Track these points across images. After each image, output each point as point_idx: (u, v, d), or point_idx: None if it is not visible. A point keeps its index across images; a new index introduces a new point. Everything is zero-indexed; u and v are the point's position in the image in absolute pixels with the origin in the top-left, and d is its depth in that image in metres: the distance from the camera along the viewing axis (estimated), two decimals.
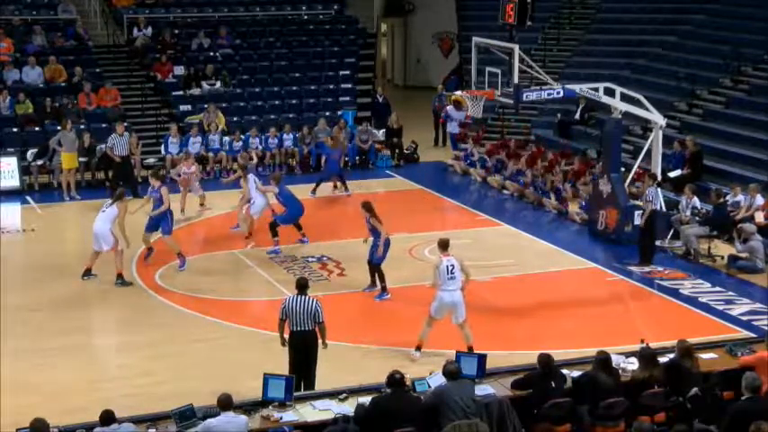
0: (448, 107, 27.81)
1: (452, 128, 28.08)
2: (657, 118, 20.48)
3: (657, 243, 19.71)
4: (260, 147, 26.05)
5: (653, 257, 18.89)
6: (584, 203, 21.87)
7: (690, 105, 25.62)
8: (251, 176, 20.30)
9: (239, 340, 15.29)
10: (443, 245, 14.32)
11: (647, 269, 18.53)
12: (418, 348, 14.27)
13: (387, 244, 17.00)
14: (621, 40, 29.91)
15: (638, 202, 20.40)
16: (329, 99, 29.17)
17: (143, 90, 28.21)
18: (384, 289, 17.03)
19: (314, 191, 23.52)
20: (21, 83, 26.86)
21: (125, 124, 24.30)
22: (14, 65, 27.07)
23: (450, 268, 14.01)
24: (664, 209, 20.31)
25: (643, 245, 18.93)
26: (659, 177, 20.21)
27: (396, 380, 10.73)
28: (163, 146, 25.54)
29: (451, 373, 10.91)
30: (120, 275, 17.48)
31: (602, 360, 11.40)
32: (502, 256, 19.15)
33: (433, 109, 29.81)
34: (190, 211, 22.01)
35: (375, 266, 17.07)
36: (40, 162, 24.38)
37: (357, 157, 26.92)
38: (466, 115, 26.01)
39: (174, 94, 28.06)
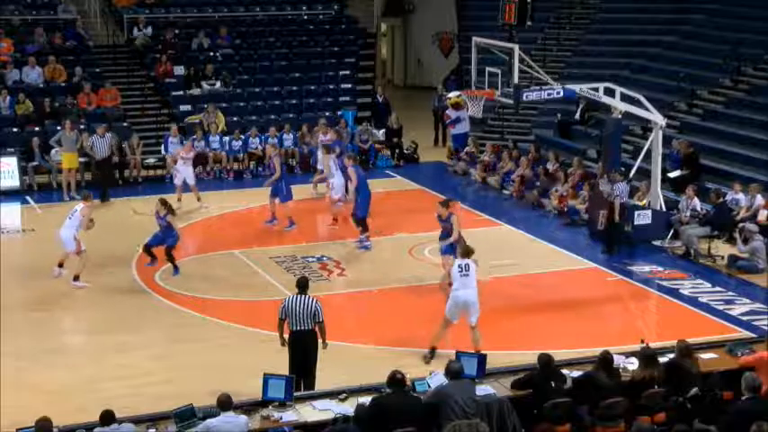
0: (447, 111, 27.73)
1: (458, 129, 27.85)
2: (657, 118, 20.47)
3: (657, 243, 19.77)
4: (260, 147, 26.06)
5: (614, 247, 19.24)
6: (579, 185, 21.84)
7: (690, 105, 25.60)
8: (332, 156, 20.66)
9: (239, 340, 15.28)
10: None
11: (646, 268, 18.55)
12: None
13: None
14: (621, 40, 29.89)
15: (639, 202, 20.42)
16: (329, 99, 29.17)
17: (143, 90, 28.23)
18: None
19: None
20: (21, 83, 26.88)
21: (105, 125, 24.33)
22: (14, 65, 27.09)
23: None
24: (664, 208, 20.32)
25: (608, 234, 19.43)
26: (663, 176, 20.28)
27: (397, 380, 10.72)
28: (163, 146, 25.53)
29: (455, 372, 10.90)
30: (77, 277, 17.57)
31: (604, 360, 11.40)
32: (502, 256, 19.13)
33: (432, 109, 29.79)
34: (187, 205, 22.13)
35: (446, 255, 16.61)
36: (34, 163, 24.43)
37: (357, 158, 26.86)
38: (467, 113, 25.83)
39: (173, 94, 28.08)
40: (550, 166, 23.52)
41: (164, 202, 17.96)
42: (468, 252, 14.59)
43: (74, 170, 23.81)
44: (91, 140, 23.52)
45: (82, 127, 25.07)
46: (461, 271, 14.17)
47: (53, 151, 24.29)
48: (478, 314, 14.18)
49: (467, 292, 14.12)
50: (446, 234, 16.59)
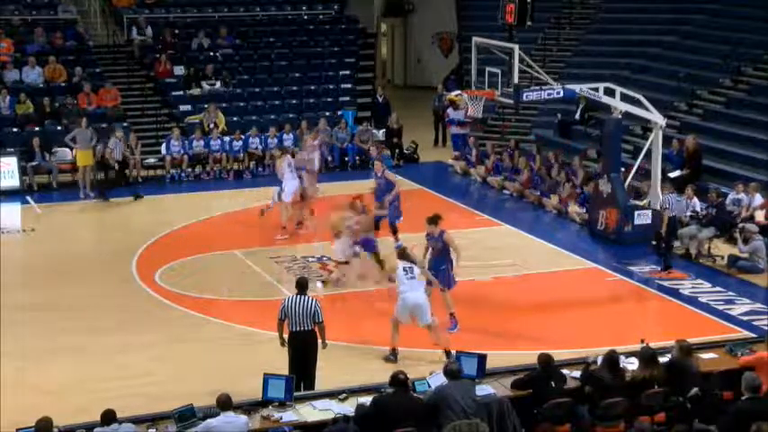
0: (448, 110, 27.73)
1: (457, 129, 27.83)
2: (657, 118, 20.46)
3: (656, 243, 19.75)
4: (260, 147, 26.07)
5: (670, 263, 18.58)
6: (582, 196, 21.77)
7: (690, 105, 25.62)
8: (286, 157, 20.66)
9: (239, 340, 15.28)
10: None
11: (646, 268, 18.51)
12: None
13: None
14: (621, 40, 29.91)
15: (638, 202, 20.40)
16: (329, 99, 29.18)
17: (143, 90, 28.24)
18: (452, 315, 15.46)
19: None
20: (21, 83, 26.89)
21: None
22: (14, 65, 27.10)
23: None
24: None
25: (663, 252, 18.67)
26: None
27: (399, 380, 10.72)
28: (164, 146, 25.54)
29: (453, 372, 10.90)
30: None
31: (610, 359, 11.40)
32: (502, 256, 19.13)
33: (433, 109, 29.80)
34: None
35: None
36: (34, 163, 24.45)
37: (357, 157, 26.90)
38: (466, 115, 25.83)
39: (174, 94, 28.08)
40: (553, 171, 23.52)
41: (353, 206, 17.46)
42: (405, 255, 14.56)
43: (89, 167, 23.86)
44: (113, 143, 23.62)
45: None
46: (407, 273, 14.18)
47: (57, 149, 24.37)
48: (429, 315, 14.10)
49: (415, 295, 14.09)
50: (441, 259, 15.25)
